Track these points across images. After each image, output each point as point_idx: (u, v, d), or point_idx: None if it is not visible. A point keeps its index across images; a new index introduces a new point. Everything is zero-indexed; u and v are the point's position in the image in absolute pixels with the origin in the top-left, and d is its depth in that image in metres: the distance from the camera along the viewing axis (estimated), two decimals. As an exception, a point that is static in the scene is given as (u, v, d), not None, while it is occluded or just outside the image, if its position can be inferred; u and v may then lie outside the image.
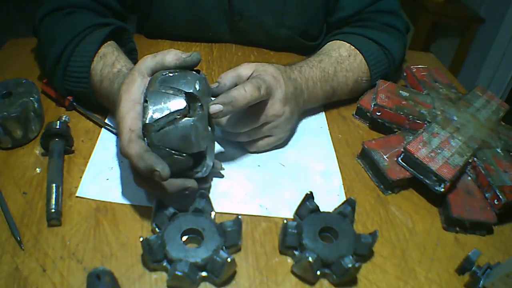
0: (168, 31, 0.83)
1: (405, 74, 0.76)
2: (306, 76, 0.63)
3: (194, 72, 0.48)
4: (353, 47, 0.70)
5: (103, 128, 0.60)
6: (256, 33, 0.82)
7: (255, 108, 0.53)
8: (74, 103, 0.61)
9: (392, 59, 0.72)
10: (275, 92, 0.54)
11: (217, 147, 0.58)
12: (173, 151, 0.44)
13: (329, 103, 0.71)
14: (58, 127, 0.52)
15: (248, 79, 0.55)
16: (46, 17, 0.64)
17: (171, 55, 0.47)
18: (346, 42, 0.70)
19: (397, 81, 0.80)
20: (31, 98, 0.55)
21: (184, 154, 0.45)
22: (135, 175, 0.47)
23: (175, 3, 0.78)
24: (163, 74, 0.47)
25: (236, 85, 0.52)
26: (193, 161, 0.46)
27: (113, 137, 0.59)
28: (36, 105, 0.56)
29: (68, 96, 0.61)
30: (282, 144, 0.61)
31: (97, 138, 0.58)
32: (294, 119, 0.60)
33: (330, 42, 0.72)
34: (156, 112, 0.44)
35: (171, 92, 0.45)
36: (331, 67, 0.66)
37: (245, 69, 0.56)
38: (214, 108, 0.47)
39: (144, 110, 0.45)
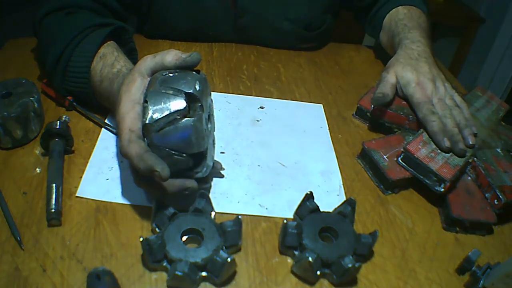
0: (168, 31, 0.83)
1: (405, 74, 0.76)
2: (419, 47, 0.70)
3: (194, 73, 0.48)
4: (402, 6, 0.80)
5: (103, 128, 0.60)
6: (258, 28, 0.82)
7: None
8: (74, 103, 0.61)
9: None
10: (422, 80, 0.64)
11: (217, 147, 0.58)
12: (173, 152, 0.44)
13: (328, 103, 0.71)
14: (58, 127, 0.52)
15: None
16: (46, 17, 0.64)
17: (171, 55, 0.47)
18: (395, 7, 0.81)
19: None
20: (31, 98, 0.55)
21: (184, 155, 0.45)
22: (135, 175, 0.47)
23: (175, 2, 0.78)
24: (163, 75, 0.47)
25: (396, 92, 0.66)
26: (193, 162, 0.46)
27: (113, 137, 0.59)
28: (36, 105, 0.56)
29: (68, 96, 0.61)
30: (282, 141, 0.61)
31: (97, 138, 0.58)
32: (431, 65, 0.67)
33: (387, 17, 0.82)
34: (156, 112, 0.44)
35: (171, 92, 0.45)
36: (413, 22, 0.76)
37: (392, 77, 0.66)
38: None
39: (144, 110, 0.44)
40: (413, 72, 0.64)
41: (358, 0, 0.87)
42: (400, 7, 0.80)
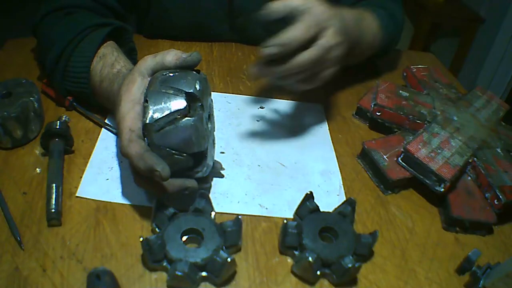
0: (167, 31, 0.83)
1: (405, 74, 0.76)
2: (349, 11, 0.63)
3: (194, 72, 0.48)
4: (364, 11, 0.72)
5: (103, 128, 0.60)
6: (255, 29, 0.82)
7: (310, 43, 0.53)
8: (74, 103, 0.61)
9: (397, 23, 0.75)
10: (329, 24, 0.54)
11: (217, 147, 0.58)
12: (173, 151, 0.44)
13: (328, 103, 0.71)
14: (58, 127, 0.52)
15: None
16: (45, 17, 0.64)
17: (171, 55, 0.47)
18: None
19: (392, 79, 0.80)
20: (31, 98, 0.55)
21: (184, 154, 0.45)
22: (135, 175, 0.47)
23: (174, 2, 0.78)
24: (163, 74, 0.47)
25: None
26: (193, 161, 0.46)
27: (113, 137, 0.59)
28: (36, 105, 0.56)
29: (68, 96, 0.61)
30: (282, 141, 0.61)
31: (97, 138, 0.58)
32: (346, 51, 0.58)
33: None
34: (156, 112, 0.44)
35: (171, 92, 0.45)
36: (358, 10, 0.68)
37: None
38: (267, 50, 0.50)
39: (145, 110, 0.44)
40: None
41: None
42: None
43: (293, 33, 0.51)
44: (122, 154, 0.45)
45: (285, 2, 0.54)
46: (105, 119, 0.61)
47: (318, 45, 0.53)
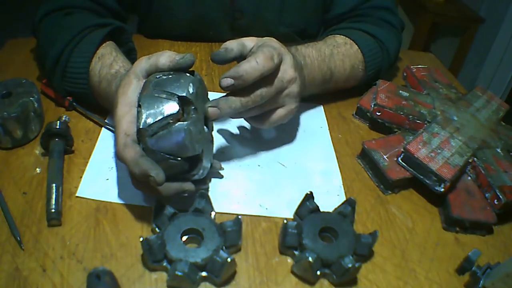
0: (168, 31, 0.83)
1: (405, 74, 0.76)
2: (303, 53, 0.62)
3: (188, 75, 0.47)
4: (348, 38, 0.70)
5: (103, 128, 0.60)
6: (255, 30, 0.82)
7: (269, 76, 0.51)
8: (74, 103, 0.61)
9: (386, 52, 0.72)
10: (285, 57, 0.53)
11: (217, 147, 0.58)
12: (167, 156, 0.44)
13: (328, 103, 0.71)
14: (58, 127, 0.52)
15: (251, 50, 0.54)
16: (45, 18, 0.64)
17: (165, 57, 0.47)
18: (341, 34, 0.71)
19: (392, 79, 0.80)
20: (31, 98, 0.55)
21: (179, 158, 0.44)
22: (132, 178, 0.47)
23: (176, 2, 0.78)
24: (157, 77, 0.46)
25: (241, 54, 0.53)
26: (188, 165, 0.46)
27: (113, 137, 0.58)
28: (36, 105, 0.56)
29: (67, 96, 0.61)
30: (282, 141, 0.61)
31: (97, 138, 0.58)
32: (302, 88, 0.56)
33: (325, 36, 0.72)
34: (149, 116, 0.43)
35: (164, 96, 0.44)
36: (327, 49, 0.66)
37: (248, 41, 0.55)
38: (225, 82, 0.47)
39: (138, 115, 0.44)
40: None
41: (327, 12, 0.82)
42: (342, 36, 0.70)
43: (252, 64, 0.48)
44: (118, 159, 0.45)
45: (239, 41, 0.54)
46: (105, 119, 0.61)
47: (277, 78, 0.52)
